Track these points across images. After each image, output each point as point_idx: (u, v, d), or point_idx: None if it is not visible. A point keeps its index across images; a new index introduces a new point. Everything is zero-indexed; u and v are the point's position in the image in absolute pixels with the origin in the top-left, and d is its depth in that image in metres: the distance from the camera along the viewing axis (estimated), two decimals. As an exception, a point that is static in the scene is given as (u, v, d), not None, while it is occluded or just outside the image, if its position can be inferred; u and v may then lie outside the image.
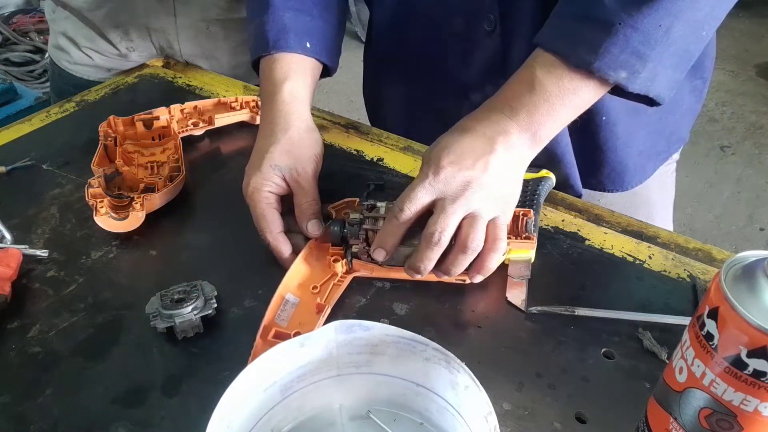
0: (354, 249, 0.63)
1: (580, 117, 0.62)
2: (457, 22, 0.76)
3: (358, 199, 0.70)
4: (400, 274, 0.62)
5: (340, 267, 0.63)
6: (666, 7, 0.55)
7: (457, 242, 0.58)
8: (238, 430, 0.44)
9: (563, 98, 0.59)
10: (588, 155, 0.79)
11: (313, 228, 0.65)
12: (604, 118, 0.76)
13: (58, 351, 0.57)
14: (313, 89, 0.74)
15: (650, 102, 0.61)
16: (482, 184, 0.57)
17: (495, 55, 0.75)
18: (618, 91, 0.60)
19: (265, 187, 0.65)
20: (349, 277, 0.63)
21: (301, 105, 0.70)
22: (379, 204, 0.64)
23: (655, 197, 0.76)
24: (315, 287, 0.62)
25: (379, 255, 0.60)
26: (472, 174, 0.57)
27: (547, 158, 0.67)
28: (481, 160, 0.58)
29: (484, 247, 0.58)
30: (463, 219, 0.57)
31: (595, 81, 0.58)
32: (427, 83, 0.85)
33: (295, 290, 0.61)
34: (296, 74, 0.71)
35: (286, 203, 0.67)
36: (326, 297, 0.61)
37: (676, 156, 0.90)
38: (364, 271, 0.64)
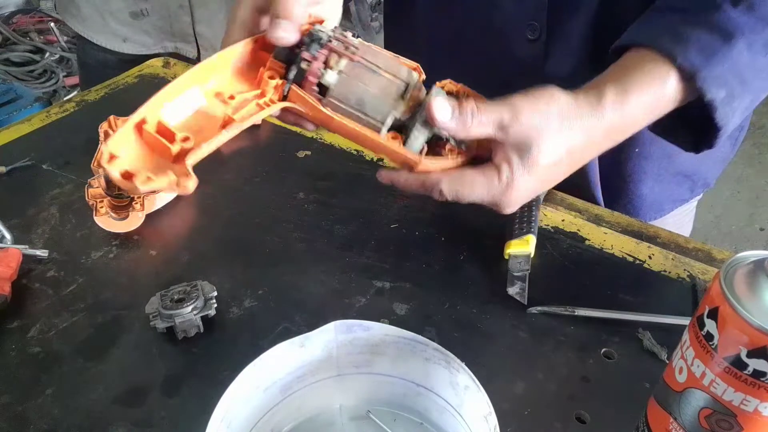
0: (303, 66, 0.49)
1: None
2: (497, 18, 0.71)
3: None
4: (338, 127, 0.51)
5: (271, 87, 0.49)
6: None
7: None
8: (238, 430, 0.44)
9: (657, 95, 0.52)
10: (611, 182, 0.76)
11: (274, 28, 0.48)
12: (636, 150, 0.72)
13: (58, 351, 0.57)
14: None
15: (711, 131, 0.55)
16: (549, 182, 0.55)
17: (535, 61, 0.71)
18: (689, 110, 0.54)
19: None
20: (278, 106, 0.49)
21: None
22: (352, 38, 0.51)
23: None
24: (231, 96, 0.48)
25: (401, 178, 0.54)
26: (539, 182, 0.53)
27: (575, 175, 0.63)
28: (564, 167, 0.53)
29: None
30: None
31: (683, 89, 0.52)
32: (449, 71, 0.81)
33: (207, 87, 0.49)
34: None
35: None
36: (238, 112, 0.47)
37: (698, 197, 0.87)
38: (299, 104, 0.50)
